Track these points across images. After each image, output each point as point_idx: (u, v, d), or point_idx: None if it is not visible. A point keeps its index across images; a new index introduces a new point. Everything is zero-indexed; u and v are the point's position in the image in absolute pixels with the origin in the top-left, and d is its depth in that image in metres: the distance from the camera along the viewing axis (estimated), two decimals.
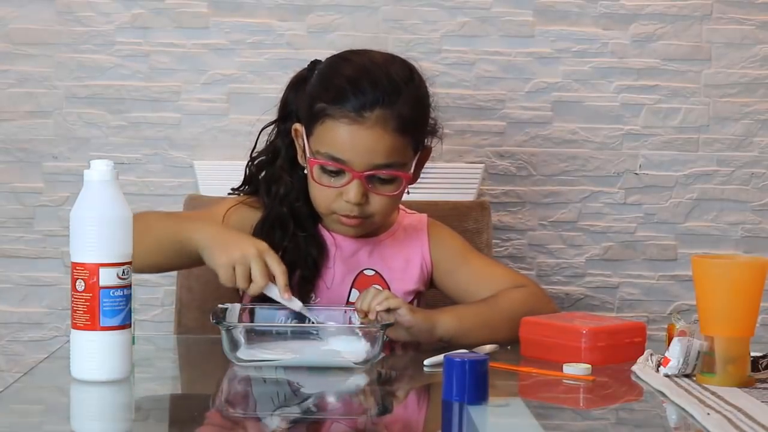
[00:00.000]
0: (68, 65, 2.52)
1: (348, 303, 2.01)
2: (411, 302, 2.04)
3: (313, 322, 1.84)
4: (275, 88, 2.48)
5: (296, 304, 1.85)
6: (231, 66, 2.54)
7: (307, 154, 1.99)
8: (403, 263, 2.08)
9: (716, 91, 2.60)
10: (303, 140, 2.00)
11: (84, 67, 2.53)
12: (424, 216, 2.14)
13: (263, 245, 1.86)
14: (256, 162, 2.09)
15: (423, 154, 2.04)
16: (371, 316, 1.82)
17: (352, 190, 1.95)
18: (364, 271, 2.05)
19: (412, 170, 1.99)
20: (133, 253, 1.64)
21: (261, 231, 2.01)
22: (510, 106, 2.57)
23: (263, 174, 2.07)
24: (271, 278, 1.83)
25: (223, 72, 2.54)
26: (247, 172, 2.10)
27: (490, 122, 2.58)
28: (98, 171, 1.62)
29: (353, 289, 2.04)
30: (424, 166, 2.07)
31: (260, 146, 2.10)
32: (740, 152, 2.61)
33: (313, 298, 2.01)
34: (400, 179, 1.97)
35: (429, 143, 2.06)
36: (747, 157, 2.61)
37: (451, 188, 2.48)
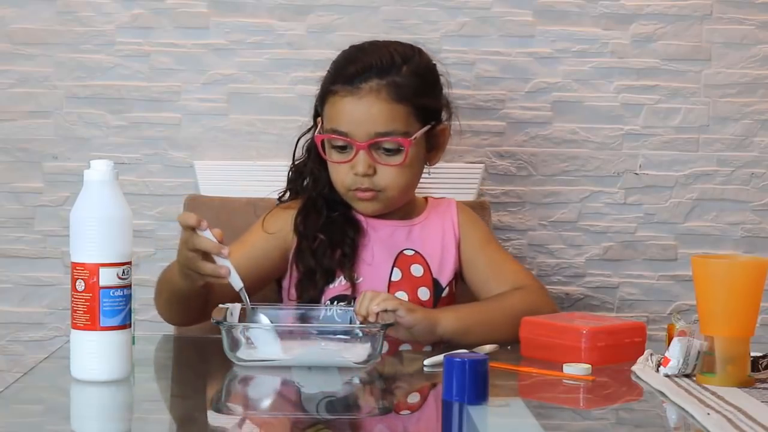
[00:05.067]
0: (68, 65, 2.52)
1: (390, 283, 2.06)
2: (450, 282, 2.09)
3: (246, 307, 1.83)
4: (275, 88, 2.49)
5: (236, 280, 1.79)
6: (231, 66, 2.54)
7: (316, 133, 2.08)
8: (440, 243, 2.12)
9: (716, 91, 2.60)
10: (320, 126, 2.08)
11: (84, 67, 2.53)
12: (453, 200, 2.20)
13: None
14: (295, 165, 2.16)
15: (438, 131, 2.10)
16: (371, 319, 1.82)
17: (359, 162, 2.02)
18: (405, 251, 2.09)
19: (414, 137, 2.03)
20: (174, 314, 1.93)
21: (300, 218, 2.08)
22: (510, 106, 2.57)
23: (301, 175, 2.15)
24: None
25: (223, 72, 2.54)
26: (289, 176, 2.17)
27: (490, 122, 2.58)
28: (98, 171, 1.62)
29: (395, 268, 2.07)
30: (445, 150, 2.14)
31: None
32: (740, 152, 2.61)
33: (357, 277, 2.04)
34: (404, 148, 2.01)
35: (446, 122, 2.11)
36: (747, 157, 2.61)
37: (451, 188, 2.48)
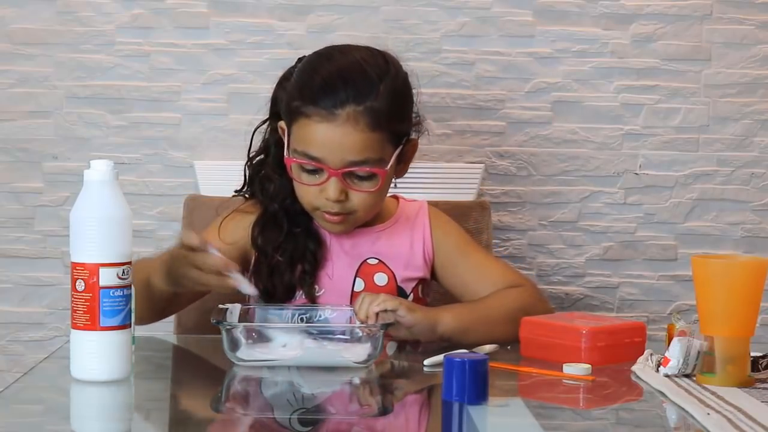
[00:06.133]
0: (68, 65, 2.52)
1: (353, 293, 2.02)
2: (415, 289, 2.06)
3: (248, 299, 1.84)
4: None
5: (247, 288, 1.79)
6: (231, 66, 2.54)
7: (286, 153, 2.00)
8: (407, 250, 2.08)
9: (716, 91, 2.60)
10: (286, 138, 2.01)
11: (84, 67, 2.53)
12: (425, 203, 2.14)
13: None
14: (252, 162, 2.10)
15: (408, 147, 2.04)
16: (371, 321, 1.82)
17: (330, 188, 1.96)
18: (368, 260, 2.06)
19: (389, 165, 1.98)
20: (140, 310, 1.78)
21: (257, 229, 2.03)
22: (510, 106, 2.57)
23: (259, 173, 2.08)
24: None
25: (223, 72, 2.54)
26: (246, 172, 2.10)
27: (490, 122, 2.58)
28: (98, 171, 1.62)
29: (357, 278, 2.04)
30: (414, 160, 2.07)
31: (256, 145, 2.11)
32: (740, 152, 2.61)
33: (318, 290, 2.01)
34: (378, 176, 1.97)
35: (415, 136, 2.06)
36: (747, 157, 2.61)
37: (451, 188, 2.48)
